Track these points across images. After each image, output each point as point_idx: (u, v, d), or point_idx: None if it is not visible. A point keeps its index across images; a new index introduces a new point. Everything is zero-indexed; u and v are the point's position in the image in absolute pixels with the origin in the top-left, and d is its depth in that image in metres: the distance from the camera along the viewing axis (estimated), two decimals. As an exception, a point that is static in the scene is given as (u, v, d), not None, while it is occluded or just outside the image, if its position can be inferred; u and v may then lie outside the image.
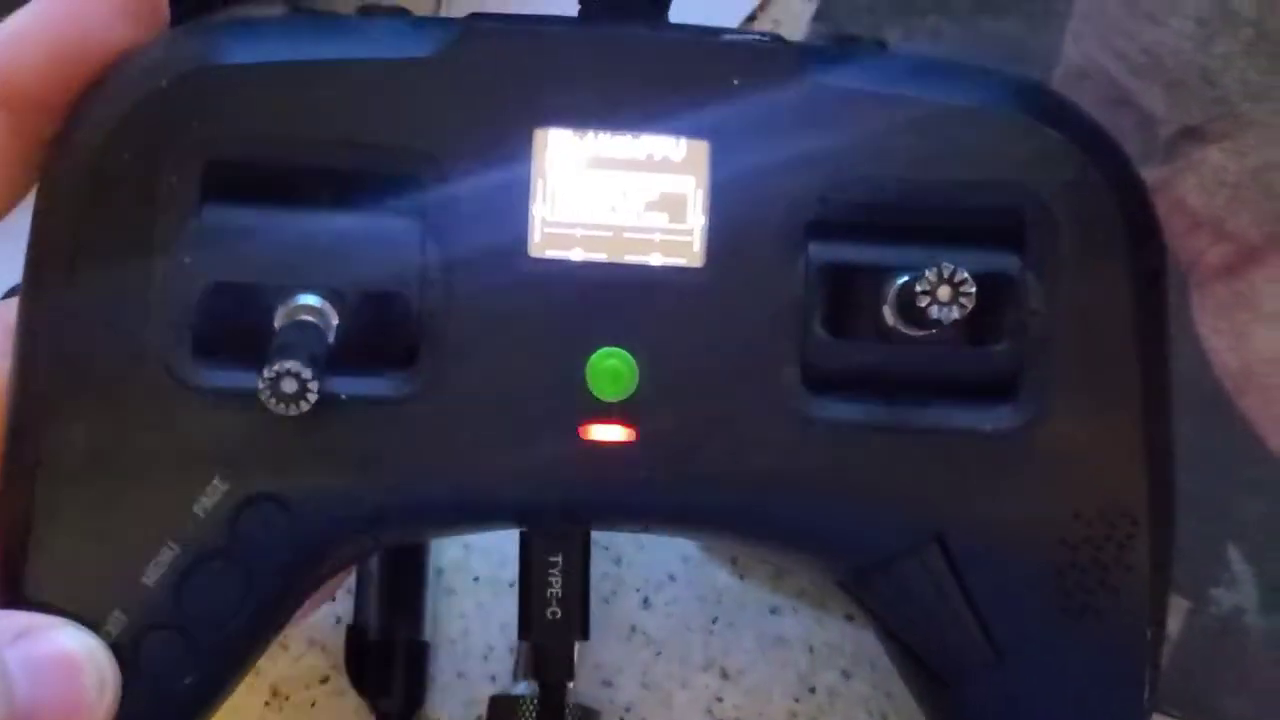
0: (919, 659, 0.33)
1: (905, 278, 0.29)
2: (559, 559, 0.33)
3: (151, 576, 0.30)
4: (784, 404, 0.31)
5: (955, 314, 0.28)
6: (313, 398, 0.28)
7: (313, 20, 0.33)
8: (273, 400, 0.28)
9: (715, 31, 0.32)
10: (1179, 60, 0.47)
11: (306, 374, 0.28)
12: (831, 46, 0.33)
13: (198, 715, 0.31)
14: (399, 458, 0.30)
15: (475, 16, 0.31)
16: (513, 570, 0.47)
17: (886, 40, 0.34)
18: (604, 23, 0.31)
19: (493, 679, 0.46)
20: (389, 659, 0.45)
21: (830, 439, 0.31)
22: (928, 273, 0.28)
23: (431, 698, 0.46)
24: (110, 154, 0.29)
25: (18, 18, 0.30)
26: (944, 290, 0.28)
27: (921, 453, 0.31)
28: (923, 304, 0.28)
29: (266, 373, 0.28)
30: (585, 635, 0.33)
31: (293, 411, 0.28)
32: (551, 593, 0.33)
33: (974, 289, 0.28)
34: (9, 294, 0.53)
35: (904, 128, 0.31)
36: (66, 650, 0.29)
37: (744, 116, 0.31)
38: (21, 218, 0.31)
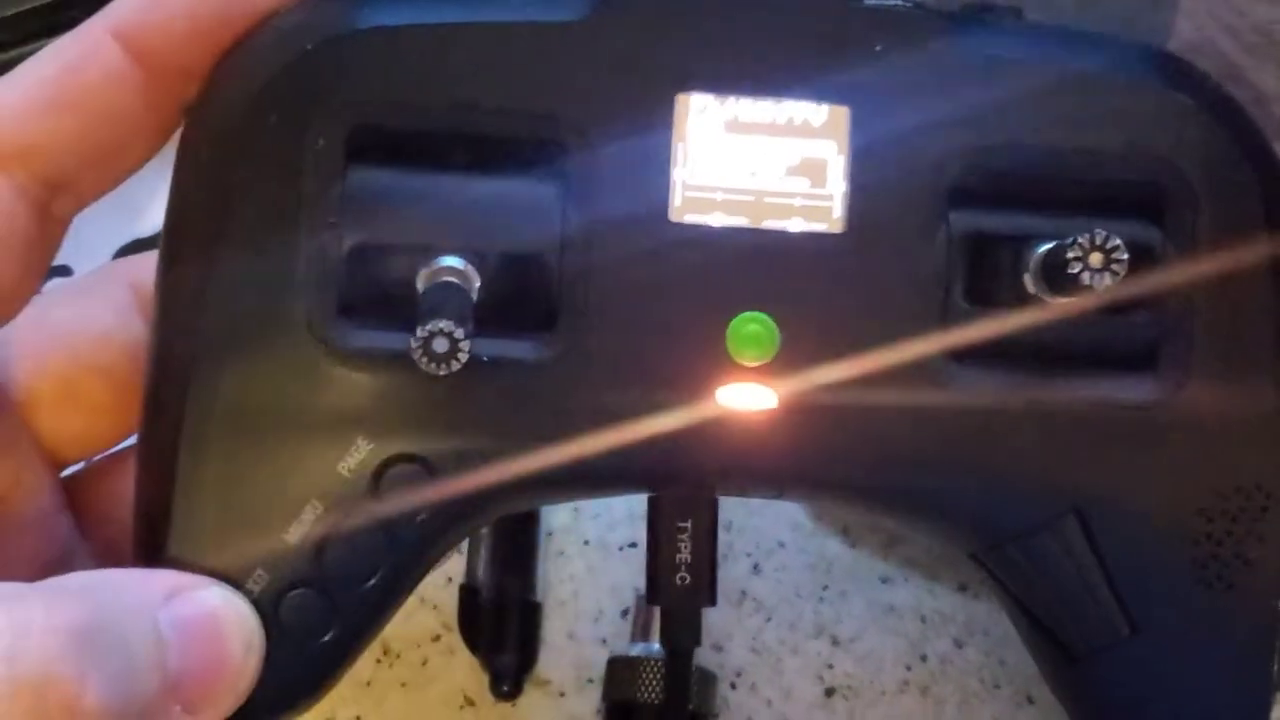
0: (1049, 632, 0.33)
1: (1050, 244, 0.29)
2: (688, 524, 0.33)
3: (295, 535, 0.30)
4: (923, 372, 0.30)
5: (1107, 280, 0.28)
6: (464, 357, 0.28)
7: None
8: (425, 359, 0.28)
9: None
10: (1294, 38, 0.46)
11: (459, 333, 0.28)
12: (970, 14, 0.33)
13: (332, 673, 0.31)
14: (538, 419, 0.30)
15: None
16: (623, 533, 0.48)
17: (1022, 10, 0.34)
18: None
19: (603, 641, 0.47)
20: (503, 618, 0.46)
21: (969, 408, 0.31)
22: (1080, 239, 0.28)
23: (542, 658, 0.47)
24: (255, 118, 0.30)
25: None
26: (1096, 257, 0.28)
27: (1062, 424, 0.31)
28: (1074, 270, 0.28)
29: (420, 331, 0.28)
30: (713, 601, 0.33)
31: (443, 371, 0.28)
32: (680, 558, 0.33)
33: (1126, 256, 0.28)
34: (120, 253, 0.54)
35: (1045, 95, 0.31)
36: (214, 610, 0.29)
37: (885, 82, 0.30)
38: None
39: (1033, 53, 0.31)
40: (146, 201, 0.31)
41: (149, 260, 0.33)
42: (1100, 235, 0.28)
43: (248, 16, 0.30)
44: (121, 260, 0.36)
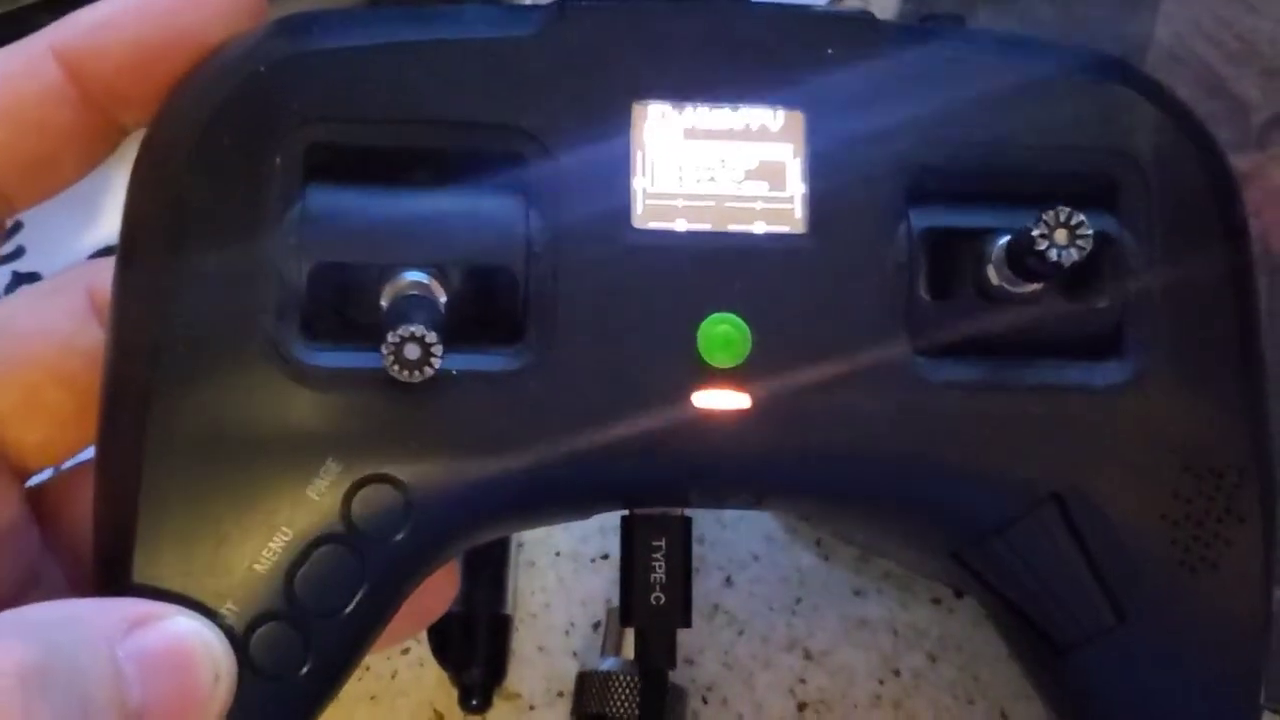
0: (1034, 627, 0.32)
1: (1009, 236, 0.30)
2: (662, 543, 0.33)
3: (264, 564, 0.29)
4: (894, 367, 0.31)
5: (1074, 255, 0.29)
6: (436, 363, 0.28)
7: (406, 8, 0.33)
8: (396, 367, 0.28)
9: (804, 7, 0.32)
10: (1275, 48, 0.46)
11: (431, 338, 0.27)
12: (914, 24, 0.34)
13: (312, 707, 0.30)
14: (511, 431, 0.30)
15: None
16: (594, 545, 0.48)
17: (965, 19, 0.35)
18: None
19: (574, 654, 0.46)
20: (472, 632, 0.45)
21: (942, 401, 0.31)
22: (1044, 216, 0.29)
23: (512, 671, 0.46)
24: (209, 139, 0.29)
25: (115, 2, 0.30)
26: (1061, 233, 0.29)
27: (1034, 411, 0.31)
28: (1041, 246, 0.29)
29: (391, 338, 0.27)
30: (688, 622, 0.33)
31: (416, 378, 0.28)
32: (655, 578, 0.33)
33: (1090, 231, 0.29)
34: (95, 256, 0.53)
35: (996, 94, 0.31)
36: (179, 640, 0.28)
37: (839, 85, 0.31)
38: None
39: (982, 55, 0.32)
40: (121, 208, 0.31)
41: (105, 265, 0.33)
42: (1064, 212, 0.29)
43: (192, 50, 0.30)
44: (78, 265, 0.36)
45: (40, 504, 0.34)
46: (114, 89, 0.30)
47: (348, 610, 0.29)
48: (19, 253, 0.53)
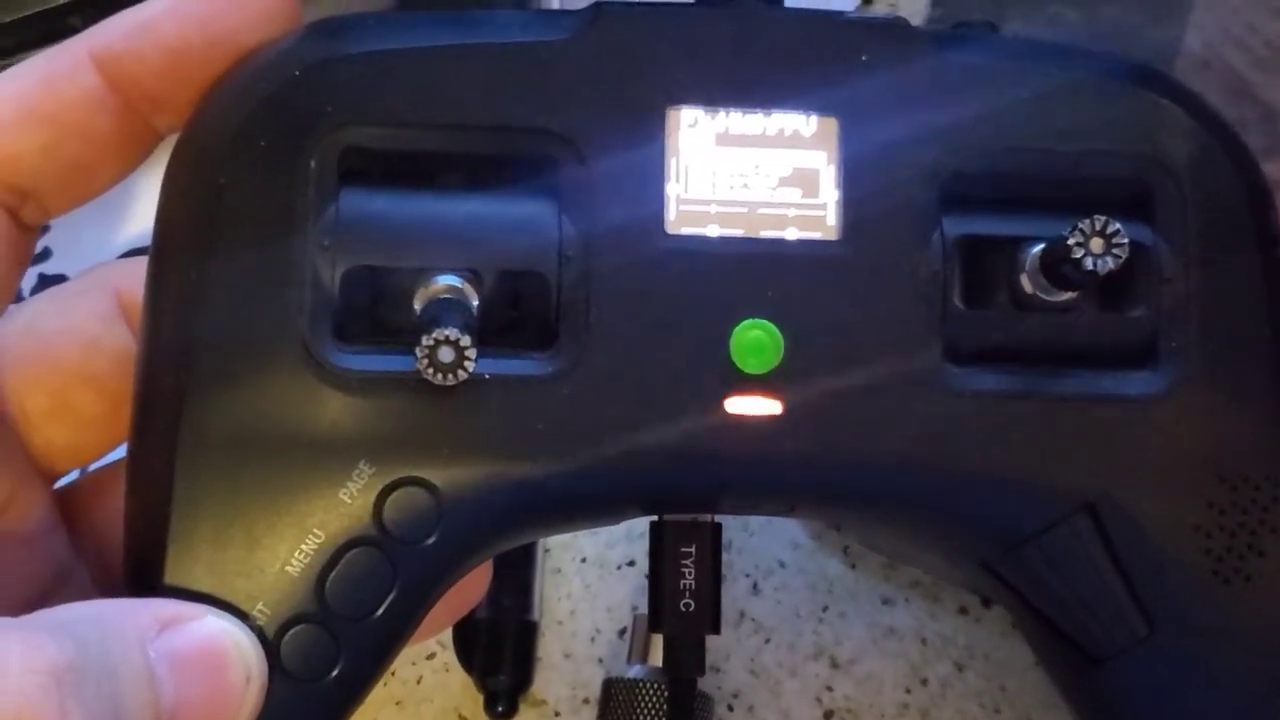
0: (1065, 638, 0.32)
1: (1043, 245, 0.30)
2: (692, 549, 0.33)
3: (296, 566, 0.29)
4: (926, 375, 0.30)
5: (1110, 264, 0.29)
6: (470, 365, 0.28)
7: (439, 12, 0.33)
8: (430, 369, 0.28)
9: (837, 13, 0.32)
10: (1304, 54, 0.46)
11: (465, 340, 0.27)
12: (947, 30, 0.34)
13: (342, 710, 0.30)
14: (544, 435, 0.30)
15: (602, 3, 0.31)
16: (621, 552, 0.48)
17: (999, 26, 0.35)
18: (724, 4, 0.31)
19: (599, 661, 0.46)
20: (498, 638, 0.45)
21: (976, 409, 0.31)
22: (1080, 224, 0.28)
23: (538, 678, 0.46)
24: (244, 141, 0.29)
25: (152, 6, 0.31)
26: (1097, 242, 0.29)
27: (1066, 420, 0.31)
28: (1076, 255, 0.28)
29: (425, 340, 0.27)
30: (717, 629, 0.33)
31: (450, 381, 0.28)
32: (685, 584, 0.33)
33: (1126, 240, 0.29)
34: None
35: (1030, 101, 0.31)
36: (211, 640, 0.28)
37: (873, 92, 0.31)
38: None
39: (1015, 62, 0.32)
40: (149, 210, 0.31)
41: (131, 265, 0.33)
42: (1100, 221, 0.29)
43: (228, 55, 0.30)
44: (103, 265, 0.36)
45: (68, 505, 0.34)
46: (151, 93, 0.30)
47: (378, 613, 0.29)
48: (46, 254, 0.53)
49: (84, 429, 0.34)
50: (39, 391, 0.33)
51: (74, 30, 0.31)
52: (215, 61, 0.30)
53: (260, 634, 0.28)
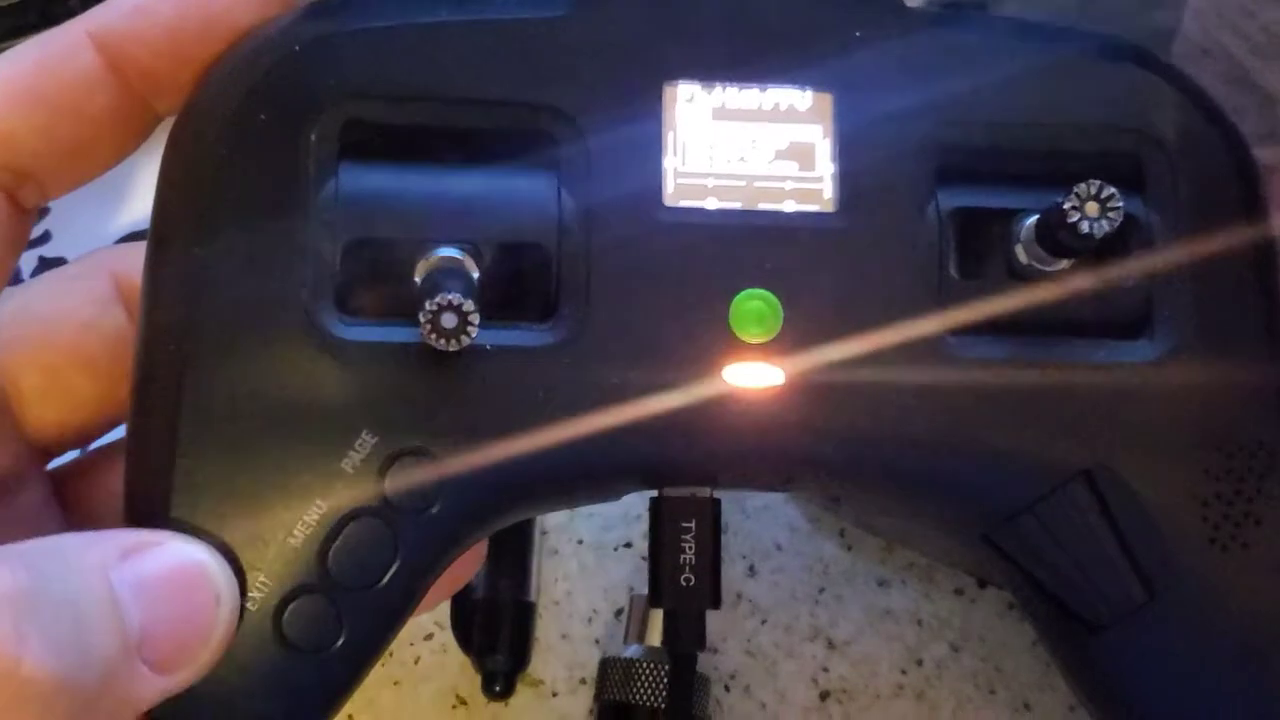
0: (1063, 607, 0.32)
1: (1038, 214, 0.30)
2: (691, 525, 0.33)
3: (298, 537, 0.29)
4: (924, 344, 0.31)
5: (1105, 227, 0.29)
6: (473, 331, 0.28)
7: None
8: (434, 335, 0.28)
9: None
10: (1302, 40, 0.46)
11: (468, 305, 0.28)
12: (938, 9, 0.34)
13: (343, 685, 0.30)
14: (545, 404, 0.30)
15: None
16: (617, 533, 0.48)
17: (986, 5, 0.36)
18: None
19: (596, 642, 0.46)
20: (496, 618, 0.45)
21: (972, 378, 0.31)
22: (1076, 189, 0.29)
23: (535, 658, 0.46)
24: (245, 116, 0.29)
25: None
26: (1092, 206, 0.29)
27: (1062, 388, 0.31)
28: (1073, 219, 0.29)
29: (428, 305, 0.27)
30: (717, 603, 0.33)
31: (453, 346, 0.28)
32: (685, 559, 0.33)
33: (1121, 204, 0.29)
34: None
35: (1020, 76, 0.32)
36: (178, 564, 0.27)
37: (867, 66, 0.31)
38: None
39: (1005, 38, 0.32)
40: (148, 193, 0.31)
41: (129, 250, 0.33)
42: (1095, 185, 0.29)
43: (227, 35, 0.30)
44: (101, 250, 0.36)
45: (63, 487, 0.34)
46: (150, 74, 0.31)
47: (381, 584, 0.29)
48: (45, 237, 0.54)
49: (77, 410, 0.34)
50: (33, 371, 0.33)
51: (72, 12, 0.31)
52: (214, 40, 0.30)
53: (262, 608, 0.28)
